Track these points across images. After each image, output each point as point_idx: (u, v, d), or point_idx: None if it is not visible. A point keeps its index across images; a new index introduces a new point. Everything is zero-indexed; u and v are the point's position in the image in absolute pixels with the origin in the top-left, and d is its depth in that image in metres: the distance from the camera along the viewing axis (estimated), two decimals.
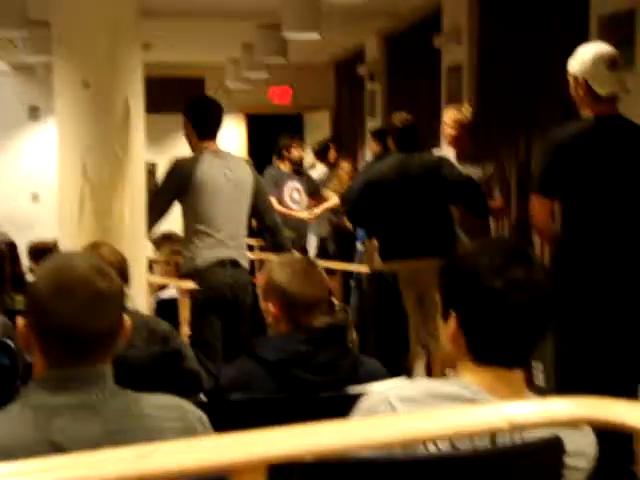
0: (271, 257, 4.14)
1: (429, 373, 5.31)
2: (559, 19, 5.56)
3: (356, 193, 5.57)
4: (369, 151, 8.26)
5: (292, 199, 8.36)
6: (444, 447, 1.64)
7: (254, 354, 2.53)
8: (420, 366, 5.44)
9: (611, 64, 3.65)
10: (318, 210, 8.07)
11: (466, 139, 5.71)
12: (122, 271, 3.17)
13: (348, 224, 7.14)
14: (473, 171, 5.53)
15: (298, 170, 8.29)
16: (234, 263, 4.58)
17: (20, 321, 1.74)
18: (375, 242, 5.78)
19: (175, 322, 4.14)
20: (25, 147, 11.03)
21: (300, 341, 2.50)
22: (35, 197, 10.86)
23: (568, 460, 1.71)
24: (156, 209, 4.52)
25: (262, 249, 6.76)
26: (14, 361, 3.07)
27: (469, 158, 5.66)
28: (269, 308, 2.62)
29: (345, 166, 8.34)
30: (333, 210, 8.05)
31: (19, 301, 4.64)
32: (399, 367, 5.17)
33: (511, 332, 1.73)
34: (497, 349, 1.75)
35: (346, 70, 10.27)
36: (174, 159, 4.65)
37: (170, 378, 3.19)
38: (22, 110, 10.93)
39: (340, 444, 0.99)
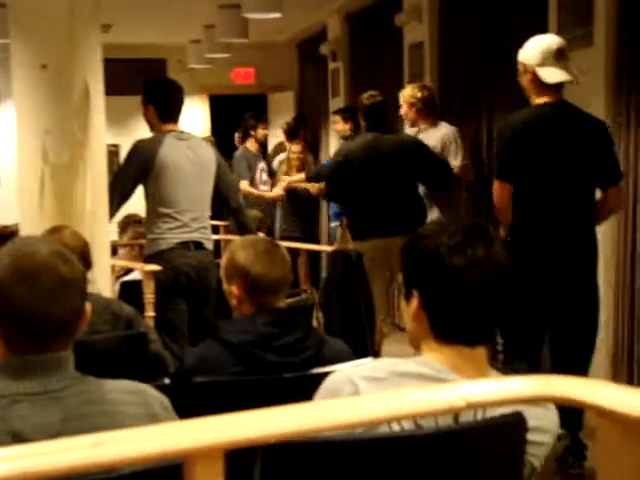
0: (235, 239, 4.12)
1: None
2: None
3: (328, 172, 5.57)
4: (334, 130, 8.21)
5: (261, 180, 8.34)
6: (408, 426, 1.65)
7: (218, 337, 2.52)
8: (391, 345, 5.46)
9: (558, 54, 3.81)
10: (284, 183, 8.00)
11: (419, 117, 5.80)
12: (84, 255, 3.14)
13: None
14: (431, 136, 5.67)
15: (263, 151, 8.28)
16: (198, 245, 4.56)
17: None
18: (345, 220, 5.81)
19: (139, 305, 4.12)
20: None
21: (264, 323, 2.49)
22: None
23: (531, 436, 1.72)
24: (118, 192, 4.46)
25: (227, 230, 6.74)
26: None
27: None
28: (232, 290, 2.60)
29: (295, 149, 8.20)
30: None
31: None
32: (365, 347, 5.17)
33: (473, 310, 1.74)
34: (459, 328, 1.75)
35: (309, 50, 10.22)
36: (135, 141, 4.61)
37: (135, 362, 3.17)
38: None
39: (299, 428, 0.98)
